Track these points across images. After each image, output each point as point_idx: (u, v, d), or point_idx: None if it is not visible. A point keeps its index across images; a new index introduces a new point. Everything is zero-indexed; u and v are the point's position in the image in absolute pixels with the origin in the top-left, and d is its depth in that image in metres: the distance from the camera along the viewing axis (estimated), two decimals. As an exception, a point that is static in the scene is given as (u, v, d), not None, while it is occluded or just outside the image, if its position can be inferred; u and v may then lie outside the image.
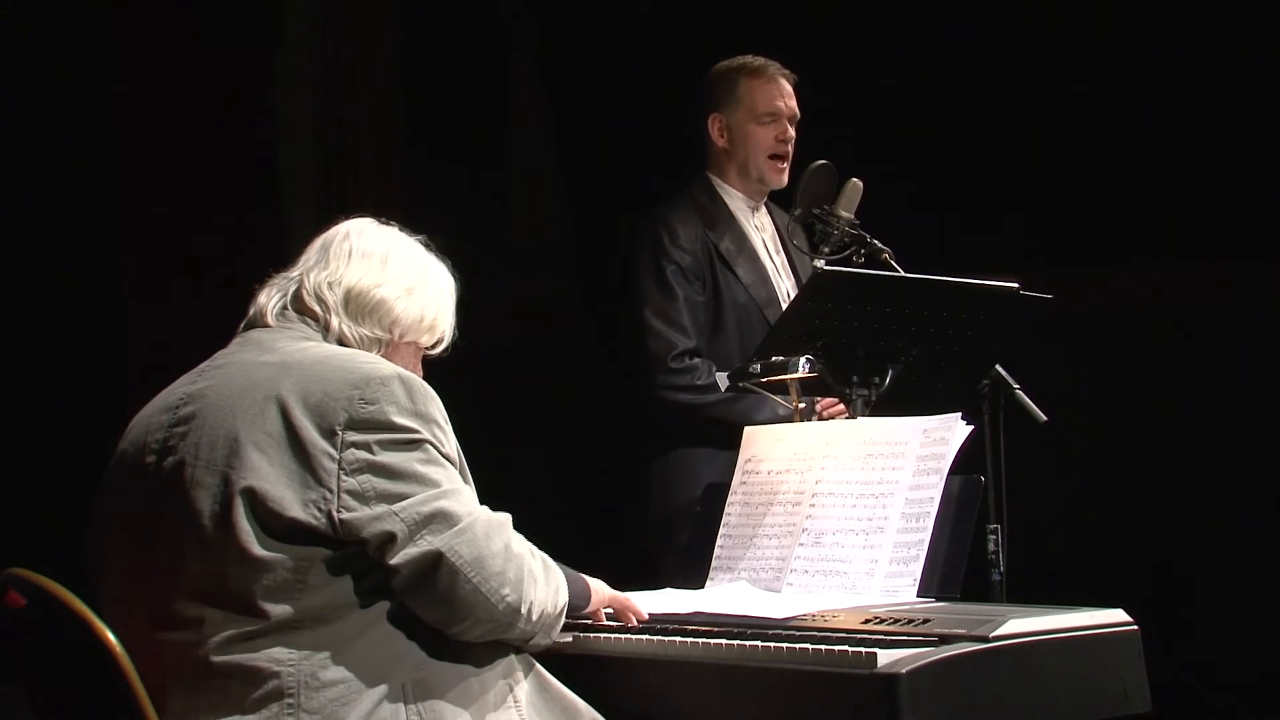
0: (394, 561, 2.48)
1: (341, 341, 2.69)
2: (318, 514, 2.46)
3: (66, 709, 2.53)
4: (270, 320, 2.70)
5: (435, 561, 2.48)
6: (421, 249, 2.81)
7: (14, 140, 4.96)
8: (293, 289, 2.73)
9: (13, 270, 4.97)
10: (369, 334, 2.71)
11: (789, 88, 4.31)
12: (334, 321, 2.69)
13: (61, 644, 2.44)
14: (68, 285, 5.07)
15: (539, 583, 2.60)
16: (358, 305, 2.70)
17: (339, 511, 2.47)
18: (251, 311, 2.74)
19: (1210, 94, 5.48)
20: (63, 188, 5.07)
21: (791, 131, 4.28)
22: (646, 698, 2.79)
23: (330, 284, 2.70)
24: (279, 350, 2.61)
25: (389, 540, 2.48)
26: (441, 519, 2.50)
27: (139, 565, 2.56)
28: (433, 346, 2.80)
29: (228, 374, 2.61)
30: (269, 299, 2.73)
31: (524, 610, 2.56)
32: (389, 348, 2.73)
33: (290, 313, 2.70)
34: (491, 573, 2.52)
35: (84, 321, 5.10)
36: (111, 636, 2.39)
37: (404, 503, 2.49)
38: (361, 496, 2.48)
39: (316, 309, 2.70)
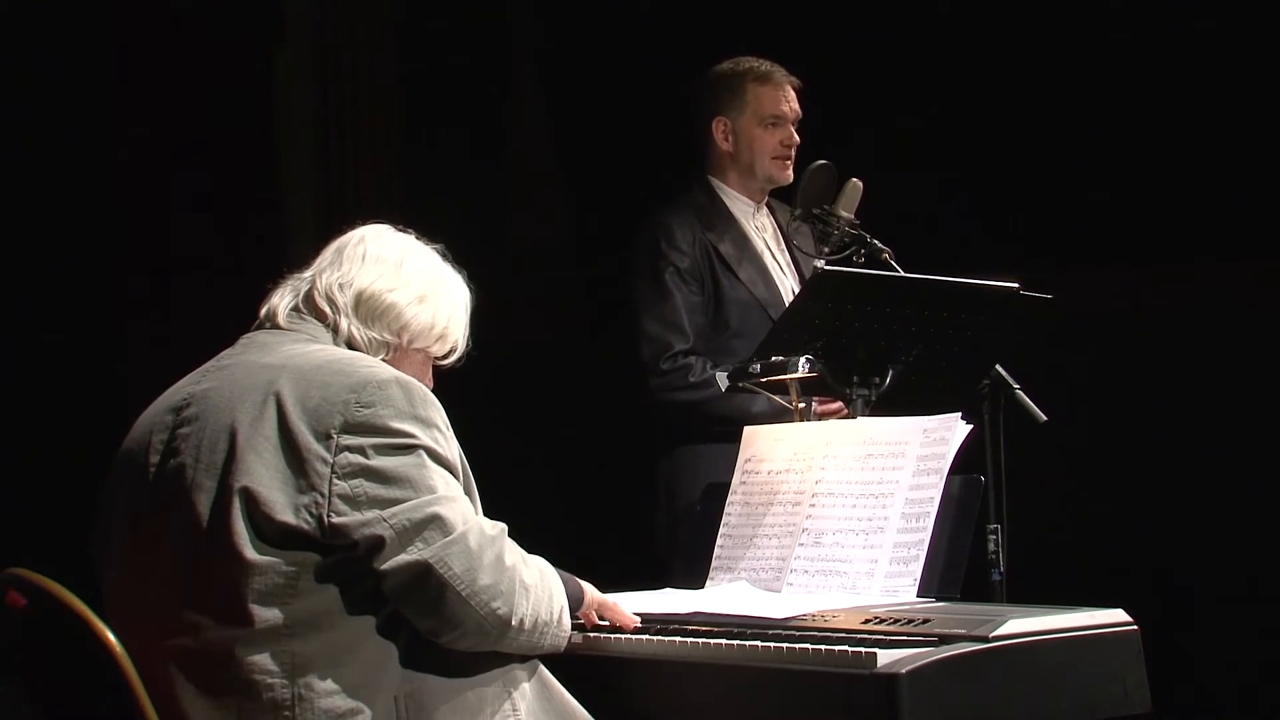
0: (382, 568, 2.46)
1: (350, 343, 2.69)
2: (309, 518, 2.45)
3: (67, 709, 2.52)
4: (281, 320, 2.70)
5: (424, 571, 2.47)
6: (438, 258, 2.80)
7: (12, 139, 4.96)
8: (304, 289, 2.73)
9: (12, 269, 4.97)
10: (378, 337, 2.70)
11: (793, 91, 4.37)
12: (343, 323, 2.69)
13: (61, 644, 2.44)
14: (67, 284, 5.07)
15: (531, 593, 2.57)
16: (368, 308, 2.70)
17: (329, 516, 2.45)
18: (263, 311, 2.75)
19: (1210, 94, 5.47)
20: (62, 186, 5.07)
21: (795, 136, 4.34)
22: (647, 698, 2.79)
23: (341, 285, 2.70)
24: (282, 353, 2.61)
25: (378, 546, 2.46)
26: (434, 527, 2.48)
27: (142, 569, 2.56)
28: (444, 356, 2.80)
29: (230, 375, 2.61)
30: (281, 299, 2.73)
31: (514, 623, 2.54)
32: (397, 353, 2.72)
33: (302, 312, 2.71)
34: (481, 585, 2.50)
35: (83, 321, 5.09)
36: (111, 636, 2.39)
37: (396, 508, 2.47)
38: (353, 501, 2.46)
39: (326, 309, 2.70)
